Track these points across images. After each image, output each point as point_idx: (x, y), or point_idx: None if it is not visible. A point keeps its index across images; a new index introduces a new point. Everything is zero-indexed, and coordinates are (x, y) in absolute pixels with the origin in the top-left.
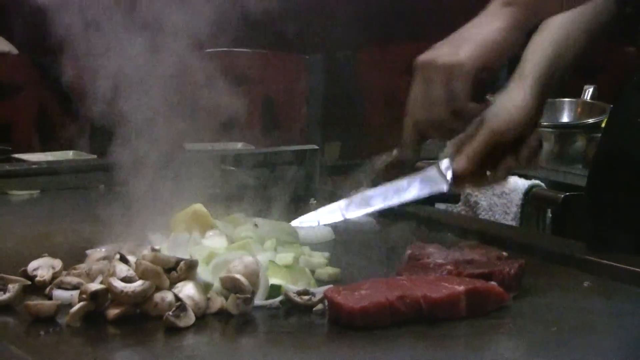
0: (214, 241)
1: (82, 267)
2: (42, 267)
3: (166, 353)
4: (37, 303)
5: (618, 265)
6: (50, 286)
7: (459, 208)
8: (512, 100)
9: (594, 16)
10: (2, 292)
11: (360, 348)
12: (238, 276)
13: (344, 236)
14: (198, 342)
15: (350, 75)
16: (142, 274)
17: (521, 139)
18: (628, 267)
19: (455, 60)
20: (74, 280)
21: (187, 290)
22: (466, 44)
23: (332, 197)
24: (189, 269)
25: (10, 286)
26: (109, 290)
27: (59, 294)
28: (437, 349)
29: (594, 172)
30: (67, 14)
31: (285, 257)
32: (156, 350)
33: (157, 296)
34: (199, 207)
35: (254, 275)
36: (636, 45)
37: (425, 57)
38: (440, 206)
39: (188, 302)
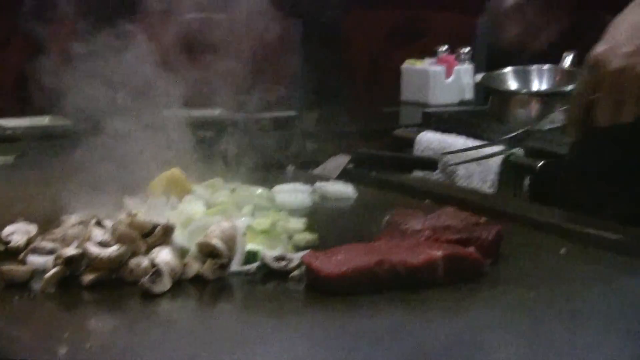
0: (191, 206)
1: (58, 232)
2: (17, 232)
3: (142, 319)
4: (11, 268)
5: (594, 232)
6: (24, 251)
7: (436, 176)
8: None
9: None
10: None
11: (338, 314)
12: (215, 241)
13: (321, 202)
14: (174, 308)
15: (331, 42)
16: (118, 239)
17: None
18: (604, 233)
19: None
20: (48, 245)
21: (163, 255)
22: None
23: (310, 164)
24: (165, 234)
25: None
26: (84, 255)
27: (34, 259)
28: (416, 314)
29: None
30: None
31: (263, 222)
32: (131, 316)
33: (133, 261)
34: (176, 171)
35: (231, 241)
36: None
37: (619, 63)
38: (418, 174)
39: (164, 267)
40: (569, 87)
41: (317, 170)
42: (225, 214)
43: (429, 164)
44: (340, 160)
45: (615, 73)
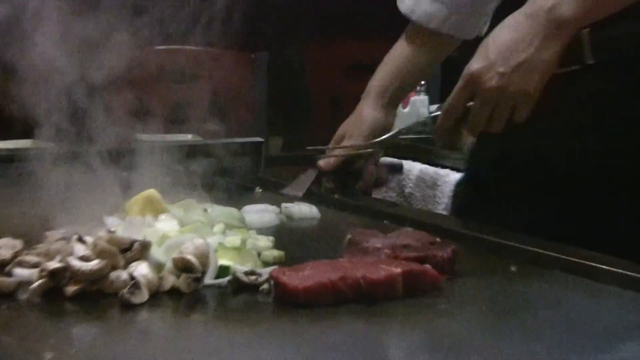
0: (167, 224)
1: (42, 247)
2: (3, 247)
3: (120, 328)
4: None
5: (542, 251)
6: (10, 264)
7: (394, 199)
8: (362, 114)
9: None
10: None
11: (303, 325)
12: (189, 257)
13: (287, 222)
14: (151, 318)
15: (294, 72)
16: (99, 254)
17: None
18: (551, 253)
19: (525, 90)
20: (33, 259)
21: (141, 269)
22: (534, 73)
23: (275, 186)
24: (142, 250)
25: None
26: (67, 268)
27: (19, 272)
28: (376, 326)
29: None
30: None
31: (234, 239)
32: (111, 325)
33: (113, 274)
34: (152, 192)
35: (204, 256)
36: None
37: (494, 82)
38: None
39: (142, 280)
40: None
41: (286, 188)
42: (198, 232)
43: (395, 167)
44: (308, 177)
45: (491, 90)
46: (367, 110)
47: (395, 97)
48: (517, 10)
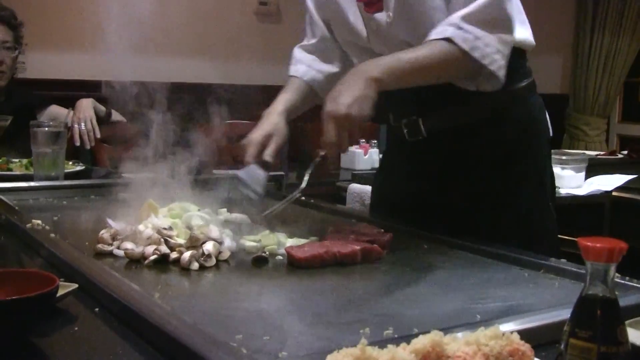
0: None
1: (145, 233)
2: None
3: (199, 278)
4: (130, 250)
5: (442, 237)
6: (119, 241)
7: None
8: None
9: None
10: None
11: (302, 277)
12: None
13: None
14: (215, 274)
15: (304, 135)
16: (190, 242)
17: None
18: (447, 238)
19: (362, 113)
20: (133, 242)
21: (208, 246)
22: (364, 103)
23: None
24: (209, 240)
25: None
26: (172, 247)
27: (149, 249)
28: (344, 278)
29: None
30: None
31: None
32: (193, 277)
33: (200, 248)
34: (151, 202)
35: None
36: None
37: (342, 111)
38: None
39: (211, 252)
40: None
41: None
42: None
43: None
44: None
45: (342, 117)
46: (272, 118)
47: (289, 115)
48: (347, 74)
